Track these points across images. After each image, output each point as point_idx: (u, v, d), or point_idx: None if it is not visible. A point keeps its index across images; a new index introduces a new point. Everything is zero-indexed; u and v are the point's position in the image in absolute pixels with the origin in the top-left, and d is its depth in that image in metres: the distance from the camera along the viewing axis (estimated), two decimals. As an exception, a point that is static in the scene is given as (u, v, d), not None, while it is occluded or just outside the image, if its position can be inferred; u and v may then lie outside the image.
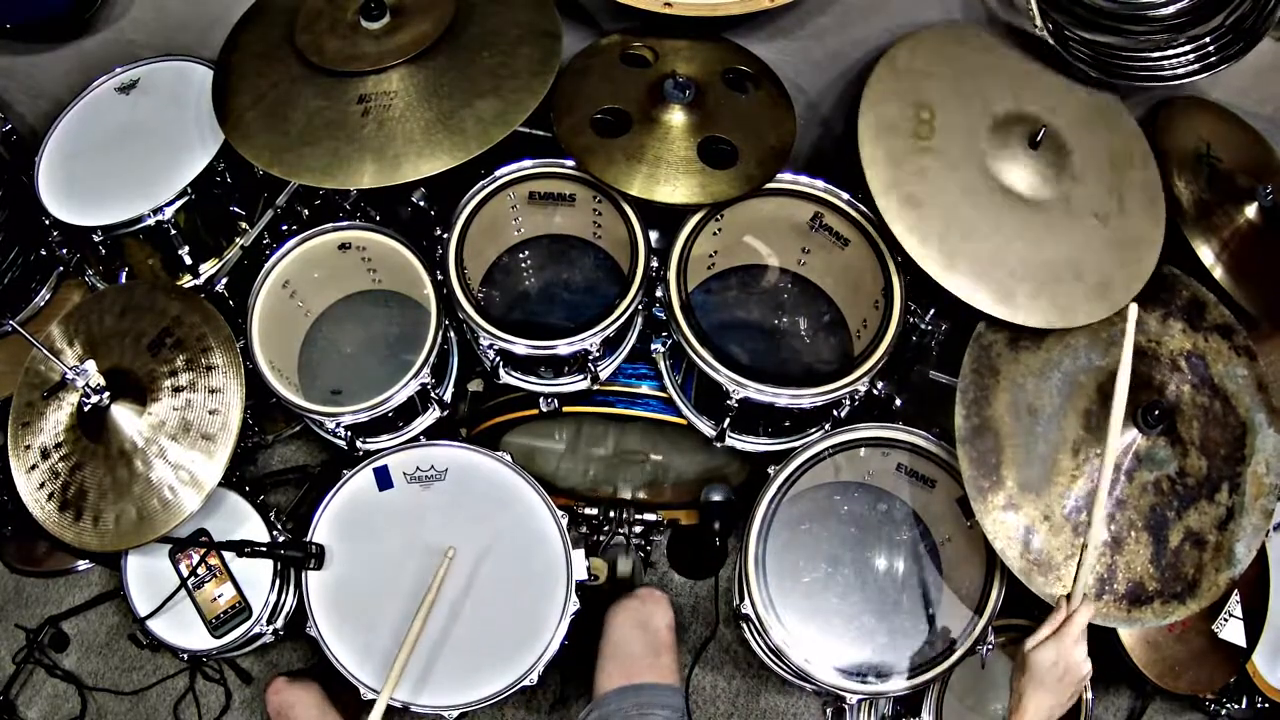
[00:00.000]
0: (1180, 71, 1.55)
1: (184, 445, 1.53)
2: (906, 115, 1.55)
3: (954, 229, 1.47)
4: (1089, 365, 1.50)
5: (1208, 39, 1.52)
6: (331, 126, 1.52)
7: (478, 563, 1.64)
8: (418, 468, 1.71)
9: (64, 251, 1.86)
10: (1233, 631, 1.80)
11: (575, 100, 1.66)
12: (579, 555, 1.64)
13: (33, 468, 1.58)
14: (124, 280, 1.79)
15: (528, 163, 1.72)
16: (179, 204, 1.69)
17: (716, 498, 2.00)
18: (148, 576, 1.72)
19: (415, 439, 1.78)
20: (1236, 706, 1.96)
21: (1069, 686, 1.27)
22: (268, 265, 1.75)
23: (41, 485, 1.57)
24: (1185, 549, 1.45)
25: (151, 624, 1.69)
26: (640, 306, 1.68)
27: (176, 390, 1.56)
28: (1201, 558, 1.46)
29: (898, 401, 1.74)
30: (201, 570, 1.70)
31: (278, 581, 1.72)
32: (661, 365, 1.74)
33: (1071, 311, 1.48)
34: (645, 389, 1.78)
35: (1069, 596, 1.31)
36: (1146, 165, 1.64)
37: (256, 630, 1.70)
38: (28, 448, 1.60)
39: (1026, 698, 1.26)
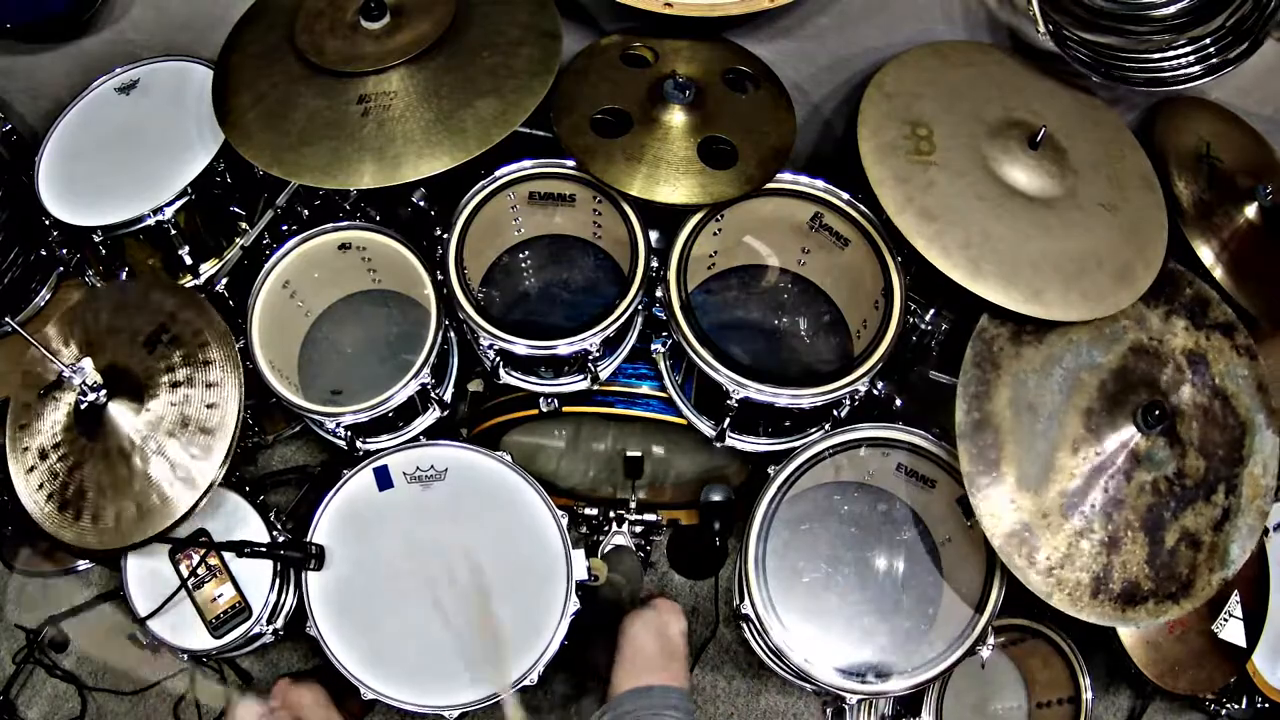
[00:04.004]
0: (1181, 74, 1.55)
1: (183, 440, 1.53)
2: (905, 134, 1.57)
3: (974, 235, 1.48)
4: (1091, 362, 1.50)
5: (1208, 40, 1.53)
6: (331, 127, 1.52)
7: (478, 563, 1.64)
8: (418, 468, 1.71)
9: (64, 251, 1.86)
10: (1233, 631, 1.80)
11: (575, 100, 1.66)
12: (579, 555, 1.64)
13: (31, 469, 1.58)
14: (124, 279, 1.79)
15: (528, 163, 1.72)
16: (179, 204, 1.69)
17: (716, 498, 2.00)
18: (148, 576, 1.72)
19: (415, 439, 1.78)
20: (1236, 706, 1.97)
21: None
22: (268, 265, 1.76)
23: (40, 486, 1.56)
24: (1180, 549, 1.46)
25: (151, 624, 1.69)
26: (640, 306, 1.68)
27: (174, 386, 1.56)
28: (1196, 558, 1.46)
29: (898, 401, 1.74)
30: (201, 570, 1.70)
31: (278, 581, 1.72)
32: (661, 365, 1.74)
33: (1101, 300, 1.49)
34: (645, 389, 1.78)
35: None
36: (1135, 152, 1.66)
37: (256, 630, 1.70)
38: (26, 449, 1.59)
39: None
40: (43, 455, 1.58)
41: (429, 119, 1.52)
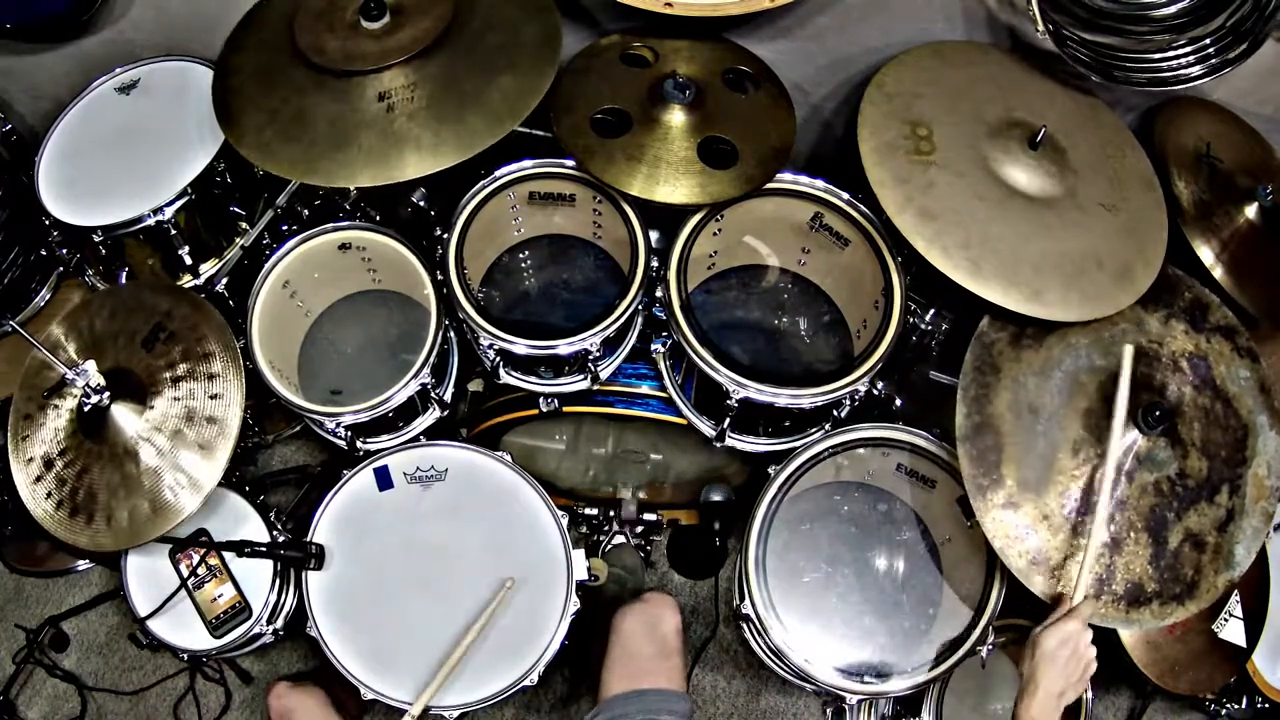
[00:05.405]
0: (1181, 74, 1.55)
1: (190, 431, 1.53)
2: (905, 134, 1.57)
3: (974, 235, 1.48)
4: (1090, 365, 1.50)
5: (1208, 40, 1.52)
6: (359, 127, 1.51)
7: (478, 563, 1.64)
8: (418, 468, 1.71)
9: (64, 251, 1.86)
10: (1233, 631, 1.80)
11: (575, 100, 1.66)
12: (579, 555, 1.64)
13: (38, 479, 1.57)
14: (124, 281, 1.80)
15: (528, 163, 1.72)
16: (179, 204, 1.69)
17: (716, 498, 2.00)
18: (148, 576, 1.72)
19: (415, 439, 1.78)
20: (1236, 706, 1.96)
21: (1078, 669, 1.30)
22: (268, 265, 1.76)
23: (49, 495, 1.56)
24: (1185, 550, 1.45)
25: (151, 624, 1.69)
26: (640, 306, 1.68)
27: (176, 381, 1.56)
28: (1201, 559, 1.46)
29: (898, 401, 1.74)
30: (201, 570, 1.70)
31: (278, 581, 1.72)
32: (661, 365, 1.74)
33: (1101, 301, 1.49)
34: (645, 389, 1.78)
35: (1071, 595, 1.35)
36: (1135, 152, 1.67)
37: (256, 630, 1.70)
38: (30, 460, 1.59)
39: (1037, 677, 1.28)
40: (48, 464, 1.58)
41: (456, 103, 1.52)
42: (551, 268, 1.87)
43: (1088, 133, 1.64)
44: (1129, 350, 1.40)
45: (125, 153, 1.79)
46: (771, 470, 1.65)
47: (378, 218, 1.84)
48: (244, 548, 1.58)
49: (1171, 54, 1.55)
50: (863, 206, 1.67)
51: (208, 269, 1.83)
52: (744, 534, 1.62)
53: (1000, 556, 1.43)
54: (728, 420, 1.66)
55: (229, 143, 1.57)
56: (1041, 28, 1.52)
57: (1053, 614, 1.35)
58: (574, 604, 1.61)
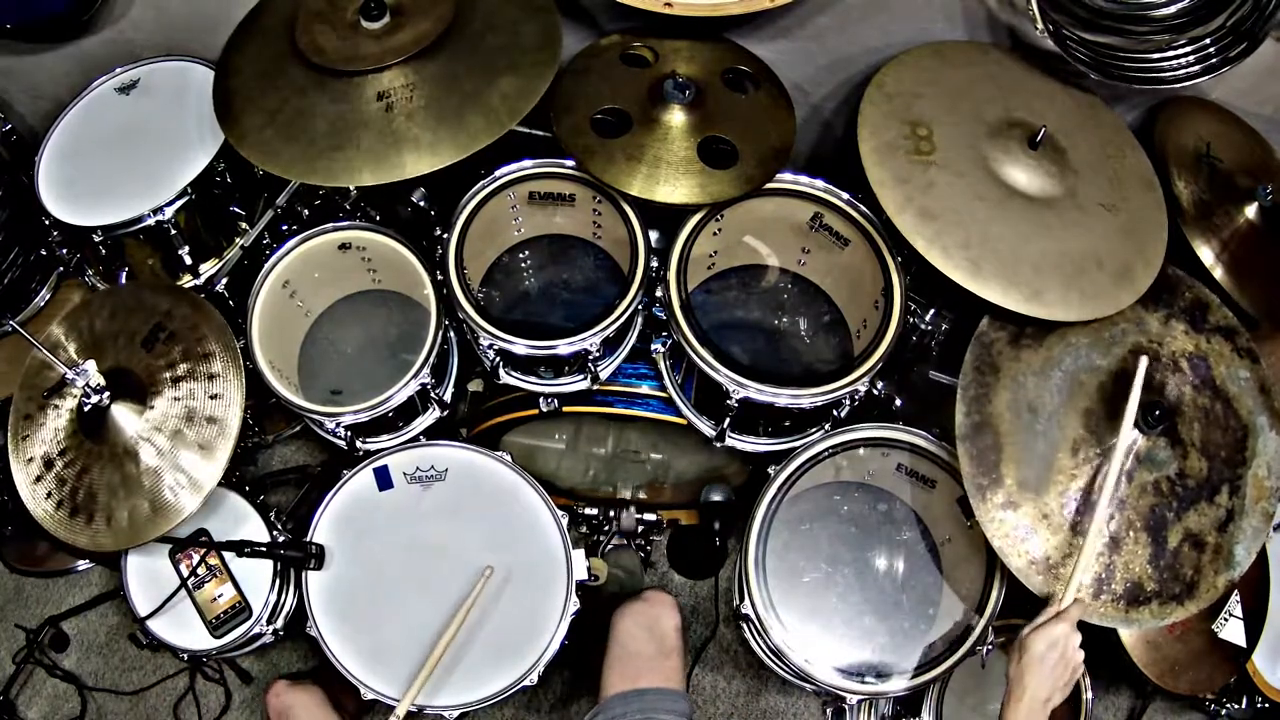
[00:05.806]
0: (1180, 73, 1.55)
1: (190, 431, 1.53)
2: (905, 134, 1.57)
3: (974, 235, 1.48)
4: (1090, 364, 1.50)
5: (1208, 40, 1.53)
6: (359, 127, 1.51)
7: (478, 563, 1.64)
8: (418, 468, 1.71)
9: (64, 251, 1.86)
10: (1233, 631, 1.80)
11: (575, 100, 1.66)
12: (579, 555, 1.64)
13: (38, 479, 1.58)
14: (124, 281, 1.80)
15: (528, 163, 1.72)
16: (179, 204, 1.69)
17: (716, 498, 2.00)
18: (148, 576, 1.72)
19: (415, 439, 1.78)
20: (1236, 706, 1.96)
21: (1064, 673, 1.29)
22: (268, 265, 1.76)
23: (49, 495, 1.56)
24: (1184, 550, 1.45)
25: (151, 624, 1.69)
26: (640, 306, 1.69)
27: (176, 381, 1.56)
28: (1200, 559, 1.46)
29: (898, 401, 1.74)
30: (201, 570, 1.70)
31: (278, 581, 1.72)
32: (661, 365, 1.74)
33: (1101, 300, 1.49)
34: (645, 389, 1.78)
35: (1060, 597, 1.36)
36: (1135, 152, 1.67)
37: (256, 630, 1.70)
38: (30, 460, 1.59)
39: (1025, 681, 1.27)
40: (48, 464, 1.58)
41: (456, 103, 1.52)
42: (551, 268, 1.87)
43: (1088, 133, 1.64)
44: (1144, 363, 1.40)
45: (125, 153, 1.80)
46: (771, 470, 1.65)
47: (378, 218, 1.84)
48: (244, 548, 1.58)
49: (1171, 54, 1.55)
50: (863, 206, 1.67)
51: (208, 269, 1.83)
52: (744, 534, 1.62)
53: (1000, 556, 1.43)
54: (728, 420, 1.66)
55: (229, 143, 1.58)
56: (1040, 26, 1.52)
57: (1040, 615, 1.34)
58: (574, 604, 1.61)
